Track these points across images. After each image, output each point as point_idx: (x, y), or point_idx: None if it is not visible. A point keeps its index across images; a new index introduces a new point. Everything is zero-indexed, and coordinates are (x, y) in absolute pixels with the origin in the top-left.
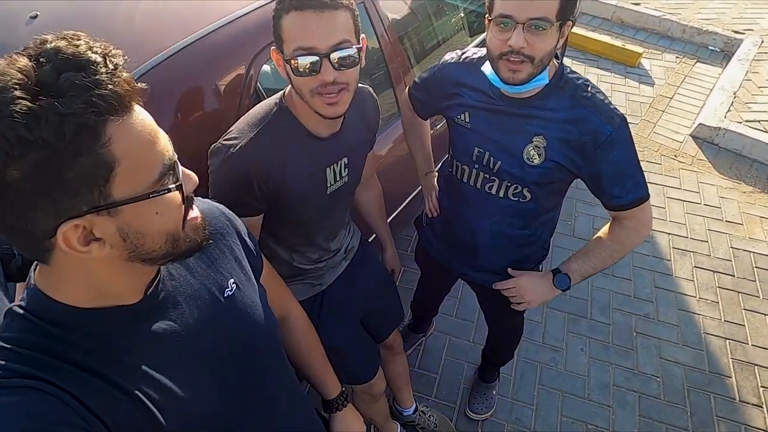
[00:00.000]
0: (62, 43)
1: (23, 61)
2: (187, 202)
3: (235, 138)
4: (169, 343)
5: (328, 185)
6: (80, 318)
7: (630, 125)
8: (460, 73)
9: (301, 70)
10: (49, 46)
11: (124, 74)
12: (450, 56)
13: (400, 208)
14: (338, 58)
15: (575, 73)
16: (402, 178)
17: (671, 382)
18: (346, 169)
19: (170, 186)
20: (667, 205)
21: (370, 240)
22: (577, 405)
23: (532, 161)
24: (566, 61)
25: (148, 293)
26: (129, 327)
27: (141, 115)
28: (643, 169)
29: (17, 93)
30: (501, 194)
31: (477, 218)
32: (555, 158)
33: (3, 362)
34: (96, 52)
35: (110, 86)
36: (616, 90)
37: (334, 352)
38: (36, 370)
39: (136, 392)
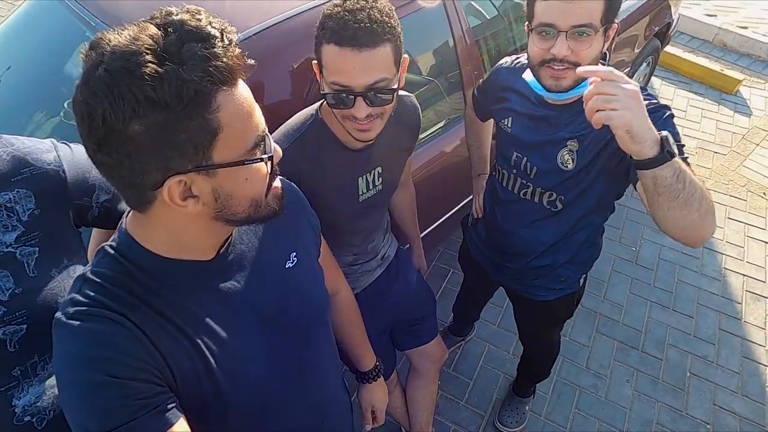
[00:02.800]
0: (186, 16)
1: (153, 29)
2: (272, 173)
3: None
4: (232, 302)
5: (360, 194)
6: (161, 265)
7: (716, 155)
8: (509, 78)
9: (334, 102)
10: (175, 17)
11: (237, 50)
12: (505, 60)
13: (457, 208)
14: (372, 97)
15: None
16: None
17: None
18: (380, 179)
19: (261, 156)
20: (746, 244)
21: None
22: None
23: (566, 166)
24: (655, 81)
25: (220, 252)
26: (200, 281)
27: (243, 88)
28: (726, 203)
29: (147, 57)
30: (536, 200)
31: (515, 223)
32: (589, 159)
33: (90, 293)
34: (215, 27)
35: (224, 59)
36: (706, 117)
37: None
38: (117, 305)
39: (199, 342)
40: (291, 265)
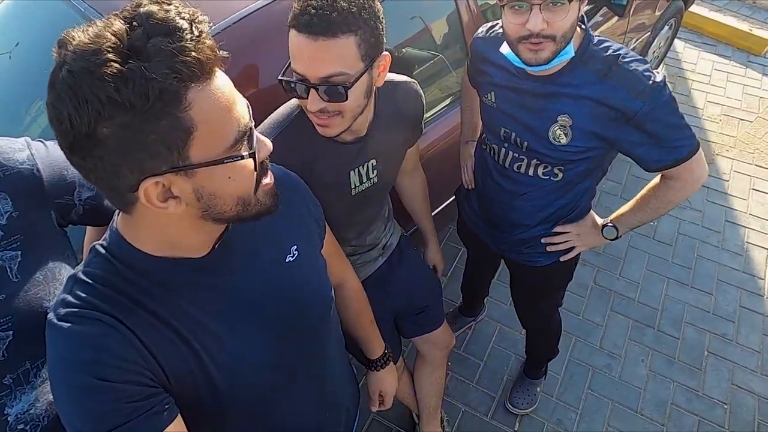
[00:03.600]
0: (155, 8)
1: (118, 25)
2: (260, 169)
3: None
4: (228, 298)
5: (353, 187)
6: (152, 265)
7: (742, 122)
8: (487, 50)
9: (288, 89)
10: (142, 9)
11: (208, 41)
12: (480, 29)
13: None
14: (326, 91)
15: (605, 42)
16: None
17: (740, 412)
18: (375, 171)
19: (243, 153)
20: None
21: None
22: (627, 417)
23: (559, 141)
24: (678, 43)
25: (215, 249)
26: (193, 278)
27: (221, 81)
28: (751, 174)
29: (109, 56)
30: (530, 173)
31: (510, 196)
32: (582, 137)
33: (81, 294)
34: (183, 18)
35: (193, 53)
36: (732, 81)
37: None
38: (108, 306)
39: (194, 341)
40: (292, 259)
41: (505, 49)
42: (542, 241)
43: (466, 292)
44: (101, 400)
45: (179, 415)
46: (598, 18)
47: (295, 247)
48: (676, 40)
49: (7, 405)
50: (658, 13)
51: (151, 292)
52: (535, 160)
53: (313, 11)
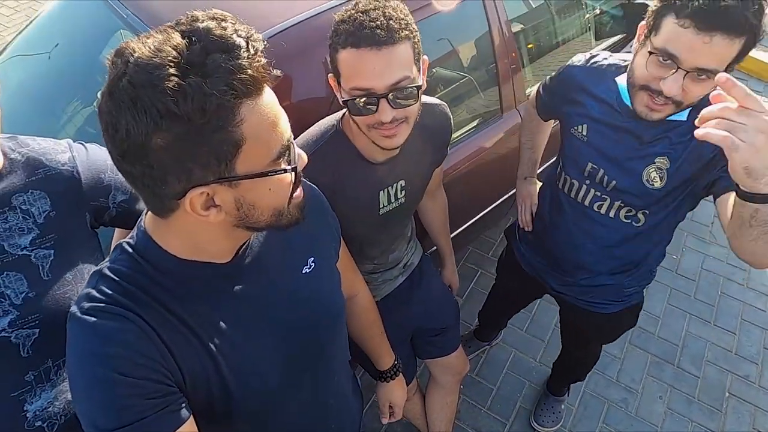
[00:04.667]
0: (212, 24)
1: (177, 39)
2: (296, 181)
3: None
4: (247, 305)
5: (381, 207)
6: (177, 266)
7: None
8: (585, 79)
9: (357, 109)
10: (201, 25)
11: (263, 60)
12: (577, 58)
13: (490, 208)
14: (396, 98)
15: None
16: (498, 177)
17: None
18: (403, 191)
19: (285, 167)
20: None
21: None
22: None
23: (653, 184)
24: None
25: (238, 255)
26: (216, 284)
27: (269, 98)
28: None
29: (171, 70)
30: (612, 215)
31: (581, 236)
32: (679, 179)
33: (105, 289)
34: (240, 36)
35: (249, 71)
36: None
37: None
38: (131, 303)
39: (210, 344)
40: (308, 270)
41: (622, 80)
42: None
43: (487, 319)
44: (120, 394)
45: (192, 418)
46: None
47: (312, 259)
48: None
49: (26, 402)
50: None
51: (174, 294)
52: (619, 202)
53: (372, 24)
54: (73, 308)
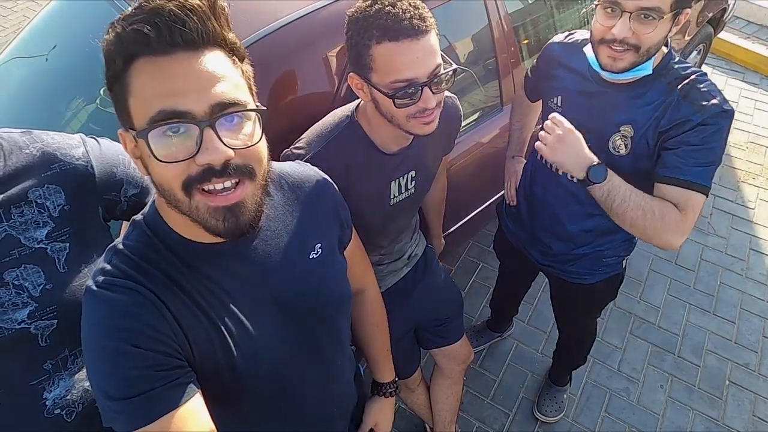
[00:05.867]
0: None
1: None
2: (197, 169)
3: (303, 148)
4: (253, 286)
5: (392, 197)
6: (183, 245)
7: None
8: (562, 53)
9: (401, 102)
10: None
11: (183, 15)
12: (558, 36)
13: (490, 201)
14: (438, 84)
15: (685, 63)
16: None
17: None
18: (413, 182)
19: (139, 135)
20: None
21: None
22: None
23: (618, 151)
24: (706, 69)
25: (243, 236)
26: (221, 263)
27: (176, 62)
28: None
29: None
30: None
31: (556, 203)
32: (641, 150)
33: (119, 264)
34: None
35: (145, 24)
36: (759, 108)
37: None
38: (143, 278)
39: (218, 322)
40: (315, 256)
41: (588, 50)
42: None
43: (496, 308)
44: (131, 365)
45: (200, 393)
46: None
47: (319, 245)
48: (704, 66)
49: (45, 390)
50: (687, 38)
51: (182, 271)
52: None
53: (407, 15)
54: (89, 282)
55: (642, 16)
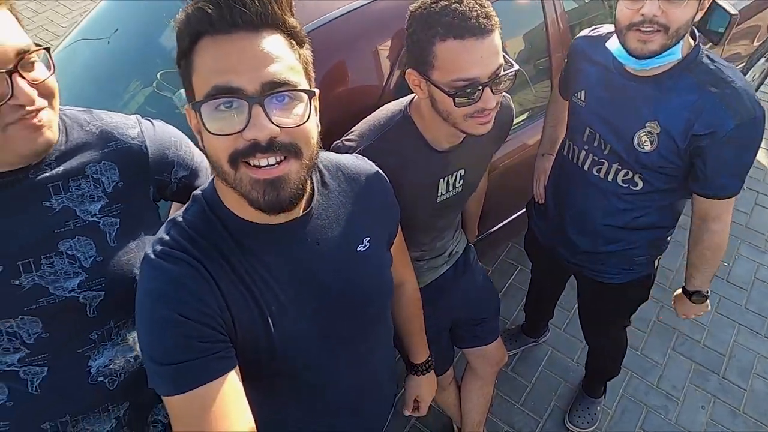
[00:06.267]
0: None
1: None
2: (244, 144)
3: (355, 140)
4: (297, 269)
5: (439, 194)
6: (236, 223)
7: None
8: (587, 47)
9: (461, 101)
10: None
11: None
12: (584, 30)
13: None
14: (498, 84)
15: (714, 57)
16: None
17: None
18: (461, 180)
19: (193, 107)
20: None
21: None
22: None
23: (643, 148)
24: None
25: (295, 220)
26: (272, 245)
27: (236, 41)
28: None
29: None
30: (609, 178)
31: (584, 201)
32: (668, 147)
33: (176, 236)
34: None
35: (210, 5)
36: None
37: None
38: (197, 252)
39: (261, 301)
40: (362, 249)
41: (611, 44)
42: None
43: (531, 312)
44: (177, 334)
45: (238, 368)
46: None
47: (368, 239)
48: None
49: (91, 358)
50: (756, 44)
51: (233, 249)
52: (616, 165)
53: (474, 14)
54: (147, 250)
55: None
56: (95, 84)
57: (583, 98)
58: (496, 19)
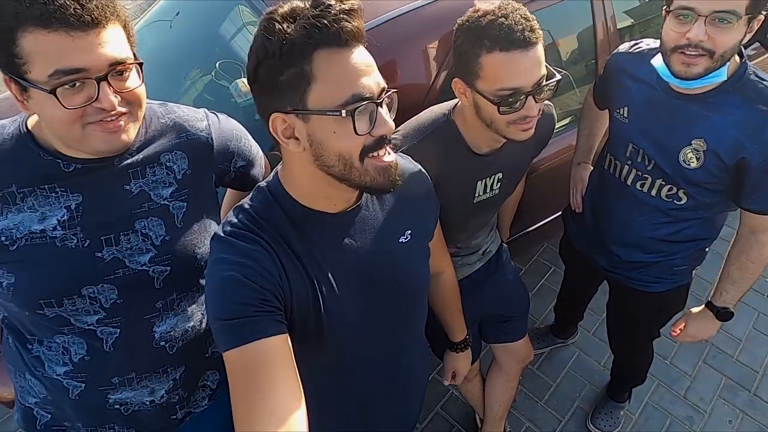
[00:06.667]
0: None
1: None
2: (371, 140)
3: (399, 140)
4: (346, 256)
5: (476, 195)
6: (297, 210)
7: None
8: (627, 63)
9: (505, 109)
10: None
11: (351, 19)
12: (623, 45)
13: None
14: (541, 94)
15: (762, 74)
16: None
17: None
18: (499, 184)
19: (348, 113)
20: None
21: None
22: None
23: (689, 165)
24: None
25: (348, 211)
26: (326, 231)
27: (356, 55)
28: None
29: (276, 18)
30: (653, 193)
31: (625, 214)
32: (714, 164)
33: (244, 219)
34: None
35: (325, 21)
36: None
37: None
38: (262, 232)
39: (315, 282)
40: (404, 240)
41: (656, 61)
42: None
43: (560, 313)
44: (241, 293)
45: (288, 335)
46: (750, 52)
47: (410, 231)
48: None
49: (155, 324)
50: None
51: (292, 232)
52: (660, 180)
53: (519, 27)
54: (218, 230)
55: (717, 20)
56: (159, 71)
57: (626, 115)
58: (540, 32)
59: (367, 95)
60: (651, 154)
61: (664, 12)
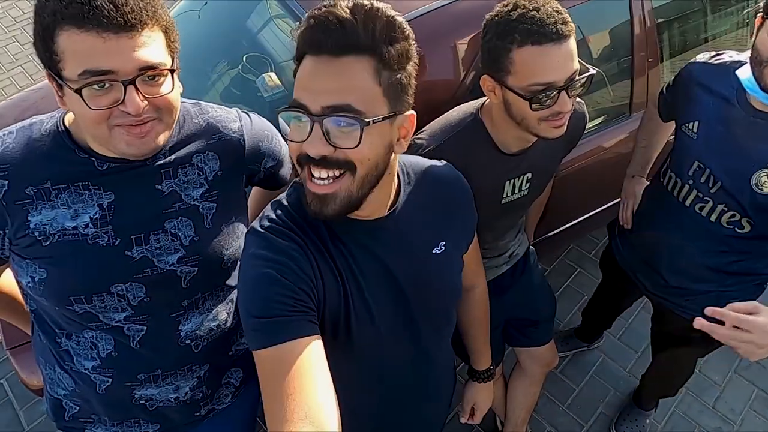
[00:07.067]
0: None
1: None
2: (301, 160)
3: (425, 139)
4: (378, 265)
5: (504, 196)
6: None
7: None
8: (704, 75)
9: (537, 105)
10: None
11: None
12: (702, 56)
13: (601, 209)
14: (574, 88)
15: None
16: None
17: None
18: (528, 184)
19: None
20: None
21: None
22: None
23: (762, 189)
24: None
25: (382, 218)
26: (358, 236)
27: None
28: None
29: None
30: (713, 218)
31: (681, 237)
32: None
33: (282, 215)
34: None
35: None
36: None
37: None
38: (298, 230)
39: (346, 284)
40: (438, 252)
41: (743, 72)
42: (707, 311)
43: (589, 319)
44: (275, 291)
45: (320, 337)
46: None
47: (444, 243)
48: None
49: (181, 323)
50: None
51: (327, 234)
52: (722, 206)
53: (551, 20)
54: (255, 223)
55: None
56: (186, 64)
57: (695, 130)
58: (572, 25)
59: (303, 103)
60: (718, 175)
61: (759, 19)
